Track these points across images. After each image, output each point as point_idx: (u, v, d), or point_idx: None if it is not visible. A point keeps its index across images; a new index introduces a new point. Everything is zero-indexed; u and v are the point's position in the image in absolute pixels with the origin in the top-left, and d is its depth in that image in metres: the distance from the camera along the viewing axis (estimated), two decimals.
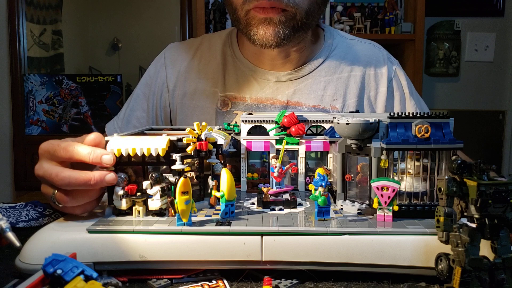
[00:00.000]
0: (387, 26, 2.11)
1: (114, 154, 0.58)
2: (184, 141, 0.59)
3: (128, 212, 0.59)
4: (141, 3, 2.62)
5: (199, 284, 0.51)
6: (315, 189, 0.57)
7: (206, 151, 0.61)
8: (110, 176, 0.57)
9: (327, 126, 0.74)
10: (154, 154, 0.57)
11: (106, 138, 0.60)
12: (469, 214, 0.46)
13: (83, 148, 0.58)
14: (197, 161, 0.63)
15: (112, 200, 0.59)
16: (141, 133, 0.73)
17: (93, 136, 0.60)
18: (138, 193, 0.57)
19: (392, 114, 0.59)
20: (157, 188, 0.57)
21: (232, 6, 0.92)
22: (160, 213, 0.58)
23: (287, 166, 0.69)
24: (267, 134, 0.74)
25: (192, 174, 0.62)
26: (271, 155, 0.73)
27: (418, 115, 0.59)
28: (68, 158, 0.58)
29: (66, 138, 0.62)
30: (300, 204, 0.64)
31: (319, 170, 0.62)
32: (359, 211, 0.60)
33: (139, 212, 0.58)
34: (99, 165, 0.58)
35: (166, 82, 1.08)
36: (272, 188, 0.67)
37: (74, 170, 0.57)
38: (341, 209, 0.62)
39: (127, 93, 2.39)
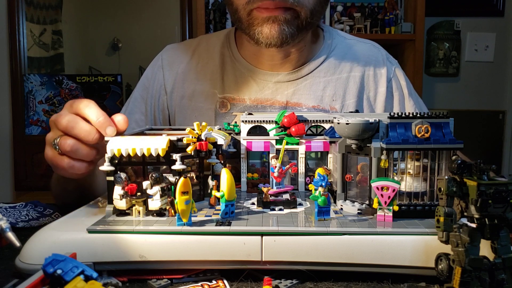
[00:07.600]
0: (387, 26, 2.11)
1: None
2: (184, 141, 0.59)
3: (128, 212, 0.59)
4: (141, 3, 2.62)
5: (199, 284, 0.51)
6: (315, 189, 0.57)
7: (206, 151, 0.61)
8: (112, 128, 0.63)
9: (327, 126, 0.74)
10: (154, 154, 0.57)
11: (106, 138, 0.60)
12: (469, 214, 0.46)
13: (94, 109, 0.64)
14: (197, 161, 0.63)
15: (112, 200, 0.59)
16: (141, 133, 0.73)
17: (121, 117, 0.65)
18: (138, 193, 0.57)
19: (392, 114, 0.59)
20: (157, 188, 0.57)
21: (233, 6, 0.91)
22: (160, 213, 0.58)
23: (287, 166, 0.69)
24: (267, 134, 0.74)
25: (192, 174, 0.62)
26: (271, 155, 0.73)
27: (418, 115, 0.59)
28: (75, 109, 0.66)
29: None
30: (300, 204, 0.64)
31: (319, 170, 0.62)
32: (359, 211, 0.60)
33: (139, 212, 0.58)
34: (101, 132, 0.64)
35: (164, 84, 1.07)
36: (272, 188, 0.67)
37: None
38: (341, 209, 0.62)
39: (127, 93, 2.39)
